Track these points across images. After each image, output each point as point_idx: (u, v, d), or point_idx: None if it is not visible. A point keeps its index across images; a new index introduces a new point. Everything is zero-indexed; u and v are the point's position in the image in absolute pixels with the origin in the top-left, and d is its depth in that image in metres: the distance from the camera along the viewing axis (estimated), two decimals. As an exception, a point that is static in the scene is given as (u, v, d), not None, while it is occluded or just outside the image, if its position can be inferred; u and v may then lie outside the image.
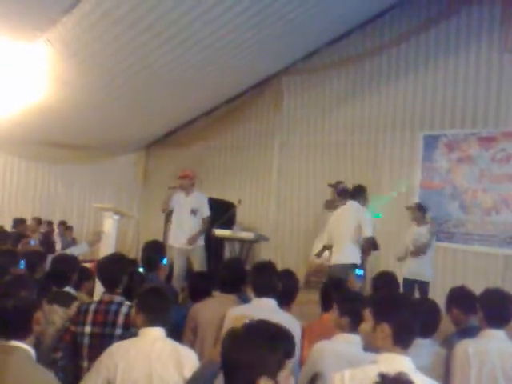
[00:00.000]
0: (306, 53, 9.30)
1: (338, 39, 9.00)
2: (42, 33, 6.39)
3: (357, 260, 5.83)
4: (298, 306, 3.98)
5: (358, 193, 6.15)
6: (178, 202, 6.57)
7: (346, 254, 5.89)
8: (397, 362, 2.11)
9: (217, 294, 3.92)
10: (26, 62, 7.05)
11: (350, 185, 8.69)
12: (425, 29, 8.19)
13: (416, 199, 8.02)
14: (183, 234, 6.52)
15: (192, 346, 3.44)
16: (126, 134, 10.64)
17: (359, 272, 5.27)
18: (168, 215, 7.20)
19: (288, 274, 3.87)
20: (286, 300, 3.62)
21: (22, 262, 4.16)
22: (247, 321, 1.79)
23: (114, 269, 3.32)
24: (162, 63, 7.60)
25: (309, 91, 9.54)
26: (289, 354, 1.71)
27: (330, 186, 8.03)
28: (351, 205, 6.07)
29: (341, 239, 5.96)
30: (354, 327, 2.81)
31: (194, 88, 8.98)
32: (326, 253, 6.60)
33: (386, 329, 2.20)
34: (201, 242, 6.60)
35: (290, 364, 1.70)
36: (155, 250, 4.30)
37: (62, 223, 10.16)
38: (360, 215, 5.92)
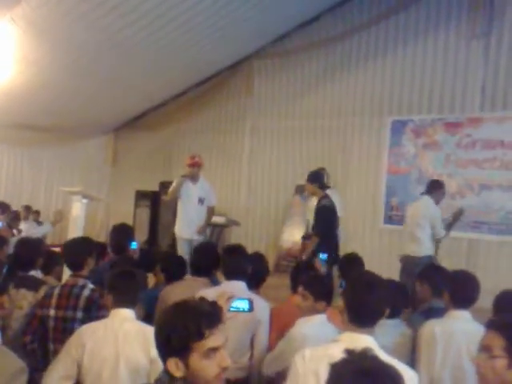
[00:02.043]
0: (276, 36, 9.27)
1: (308, 22, 8.98)
2: (6, 11, 6.23)
3: (431, 252, 5.96)
4: (268, 289, 4.04)
5: (434, 188, 6.13)
6: (186, 191, 6.35)
7: (423, 246, 5.95)
8: (359, 340, 2.13)
9: (188, 277, 3.94)
10: (-10, 41, 6.88)
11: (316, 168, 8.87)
12: (394, 13, 8.22)
13: (383, 184, 8.15)
14: (193, 224, 6.33)
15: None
16: (94, 116, 10.47)
17: (323, 257, 5.39)
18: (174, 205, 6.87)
19: (258, 257, 3.92)
20: (255, 283, 3.67)
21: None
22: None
23: (79, 251, 3.32)
24: (132, 43, 7.49)
25: (280, 75, 9.53)
26: (197, 334, 1.64)
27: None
28: (426, 200, 6.05)
29: (416, 232, 6.01)
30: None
31: (164, 70, 8.88)
32: (297, 238, 6.78)
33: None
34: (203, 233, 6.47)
35: (205, 347, 1.64)
36: (123, 234, 4.29)
37: (27, 208, 9.99)
38: (431, 213, 5.97)
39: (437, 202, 6.03)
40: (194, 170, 6.31)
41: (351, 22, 8.66)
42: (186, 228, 6.35)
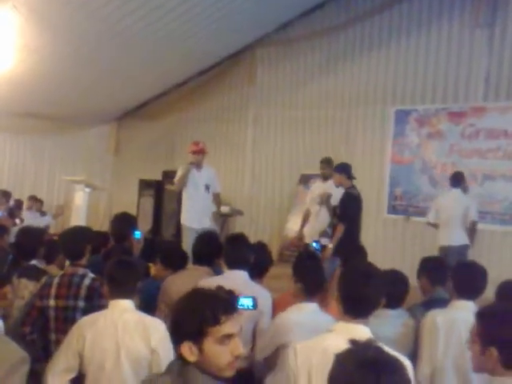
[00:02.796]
0: (279, 24, 9.21)
1: (311, 11, 8.92)
2: (9, -1, 6.21)
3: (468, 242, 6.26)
4: (271, 279, 4.03)
5: (457, 182, 6.44)
6: (192, 179, 6.18)
7: (462, 235, 6.21)
8: (354, 330, 2.12)
9: (190, 266, 3.93)
10: (-8, 29, 6.86)
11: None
12: (398, 3, 8.17)
13: (387, 174, 8.13)
14: (201, 213, 6.17)
15: (166, 318, 3.47)
16: (97, 105, 10.45)
17: (316, 245, 5.41)
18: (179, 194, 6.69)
19: (261, 247, 3.90)
20: (258, 272, 3.65)
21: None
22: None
23: (76, 240, 3.32)
24: (133, 32, 7.47)
25: (283, 63, 9.47)
26: (213, 319, 1.64)
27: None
28: (457, 193, 6.38)
29: (454, 222, 6.25)
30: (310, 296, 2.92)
31: (167, 58, 8.86)
32: (297, 227, 6.77)
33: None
34: (212, 222, 6.34)
35: (220, 333, 1.64)
36: (124, 223, 4.25)
37: (32, 197, 10.00)
38: (467, 202, 6.34)
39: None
40: (199, 156, 6.17)
41: (355, 11, 8.60)
42: (194, 217, 6.16)
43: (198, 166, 6.20)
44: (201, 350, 1.64)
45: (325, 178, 6.53)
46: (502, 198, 7.22)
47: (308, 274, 2.99)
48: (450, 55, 7.72)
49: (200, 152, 6.18)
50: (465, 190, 6.46)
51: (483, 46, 7.44)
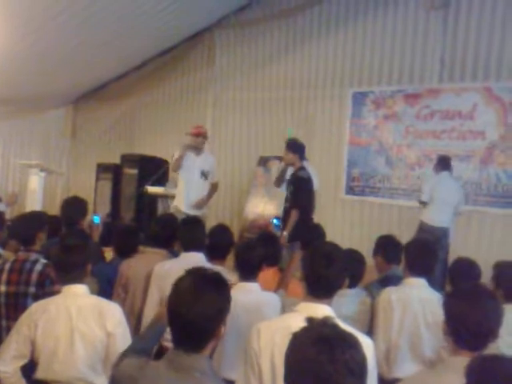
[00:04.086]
0: (238, 6, 9.14)
1: (270, -8, 8.90)
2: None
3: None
4: (231, 261, 4.04)
5: (447, 165, 6.64)
6: (188, 162, 5.97)
7: (450, 219, 6.43)
8: (317, 309, 2.14)
9: (147, 249, 3.93)
10: None
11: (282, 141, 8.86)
12: (355, -16, 8.21)
13: (344, 155, 8.23)
14: (191, 198, 5.99)
15: (123, 302, 3.46)
16: (53, 87, 10.16)
17: (277, 222, 5.40)
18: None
19: (222, 229, 3.91)
20: (220, 254, 3.69)
21: None
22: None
23: (28, 226, 3.30)
24: (91, 12, 7.27)
25: (241, 46, 9.42)
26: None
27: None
28: (451, 177, 6.64)
29: (447, 206, 6.41)
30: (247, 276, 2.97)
31: (124, 40, 8.65)
32: (261, 209, 6.76)
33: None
34: (206, 209, 6.13)
35: None
36: (75, 207, 4.19)
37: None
38: (461, 190, 6.63)
39: None
40: (198, 139, 5.97)
41: (312, -8, 8.60)
42: (185, 201, 6.01)
43: (196, 149, 6.01)
44: None
45: None
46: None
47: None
48: (405, 37, 7.81)
49: (198, 134, 5.99)
50: (451, 172, 6.68)
51: (438, 28, 7.53)
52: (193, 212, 5.89)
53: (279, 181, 6.12)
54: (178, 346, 1.75)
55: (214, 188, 6.24)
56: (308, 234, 4.39)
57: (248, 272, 2.98)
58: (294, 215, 5.42)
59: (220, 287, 1.81)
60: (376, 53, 8.05)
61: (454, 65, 7.48)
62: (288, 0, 8.83)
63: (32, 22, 7.26)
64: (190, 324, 1.70)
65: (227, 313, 1.81)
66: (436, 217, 6.40)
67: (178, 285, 1.78)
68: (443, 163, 6.65)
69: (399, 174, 7.72)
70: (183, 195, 6.05)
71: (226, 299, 1.80)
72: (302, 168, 5.71)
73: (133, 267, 3.63)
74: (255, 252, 3.00)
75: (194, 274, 1.82)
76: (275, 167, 6.69)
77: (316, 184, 6.24)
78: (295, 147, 5.76)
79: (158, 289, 3.31)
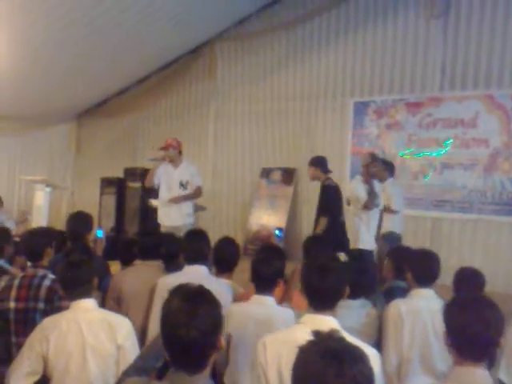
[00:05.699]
0: (238, 19, 9.21)
1: (269, 5, 8.95)
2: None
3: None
4: (237, 273, 4.01)
5: (392, 170, 6.60)
6: (166, 175, 6.00)
7: (399, 224, 6.38)
8: (321, 322, 2.15)
9: (138, 261, 3.86)
10: None
11: (285, 152, 8.89)
12: (354, -5, 8.25)
13: (347, 165, 8.22)
14: (172, 210, 5.98)
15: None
16: (56, 104, 10.24)
17: (279, 233, 5.43)
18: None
19: (228, 242, 3.85)
20: (227, 267, 3.65)
21: None
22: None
23: (37, 241, 3.31)
24: (93, 29, 7.34)
25: (242, 58, 9.48)
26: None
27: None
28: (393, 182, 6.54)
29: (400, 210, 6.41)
30: (264, 290, 2.91)
31: (126, 55, 8.74)
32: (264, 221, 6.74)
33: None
34: (189, 219, 6.09)
35: None
36: (80, 222, 4.20)
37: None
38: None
39: None
40: (167, 152, 5.95)
41: (312, 4, 8.64)
42: (166, 215, 6.02)
43: (172, 162, 6.02)
44: None
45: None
46: (460, 186, 7.39)
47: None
48: (406, 46, 7.84)
49: (167, 147, 5.99)
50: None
51: (438, 37, 7.57)
52: (175, 225, 5.83)
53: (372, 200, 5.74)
54: (178, 367, 1.70)
55: (195, 191, 6.13)
56: (310, 244, 4.35)
57: (264, 286, 2.92)
58: (322, 223, 5.64)
59: (208, 297, 1.77)
60: (377, 62, 8.08)
61: (455, 73, 7.50)
62: (287, 12, 8.89)
63: (35, 40, 7.34)
64: (191, 344, 1.65)
65: (223, 320, 1.78)
66: (397, 223, 6.39)
67: (169, 308, 1.75)
68: (393, 170, 6.66)
69: (402, 183, 7.69)
70: (164, 209, 6.06)
71: (218, 306, 1.76)
72: (329, 179, 5.98)
73: (126, 280, 3.61)
74: (272, 267, 2.96)
75: (179, 293, 1.78)
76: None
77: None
78: (316, 162, 6.06)
79: (162, 302, 3.28)
